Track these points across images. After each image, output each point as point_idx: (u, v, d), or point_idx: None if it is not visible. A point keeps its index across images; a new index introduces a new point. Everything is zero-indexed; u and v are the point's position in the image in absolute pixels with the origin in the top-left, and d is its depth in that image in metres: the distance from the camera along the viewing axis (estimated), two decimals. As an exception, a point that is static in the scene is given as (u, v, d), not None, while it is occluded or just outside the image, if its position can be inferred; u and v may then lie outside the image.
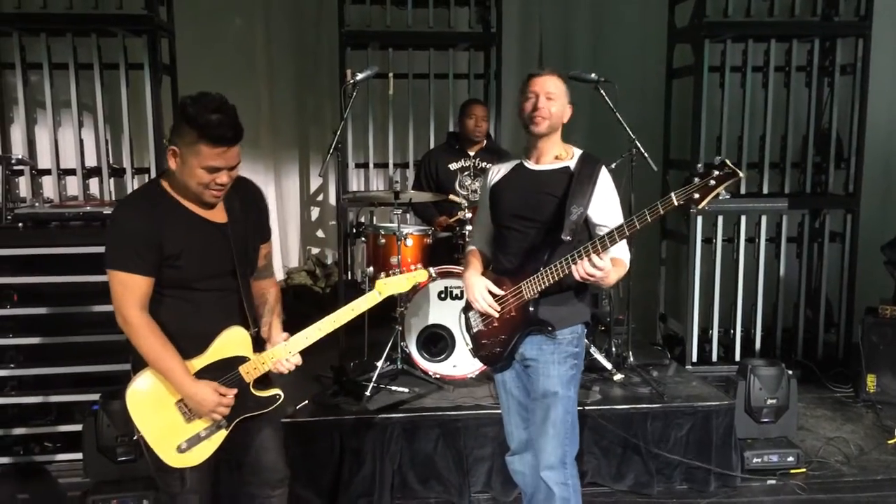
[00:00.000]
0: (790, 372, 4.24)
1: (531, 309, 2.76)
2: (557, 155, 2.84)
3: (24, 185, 5.05)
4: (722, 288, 5.49)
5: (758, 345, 5.60)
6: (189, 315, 2.47)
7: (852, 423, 4.78)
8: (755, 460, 4.05)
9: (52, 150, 5.04)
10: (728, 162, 2.44)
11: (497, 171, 2.95)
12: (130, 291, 2.37)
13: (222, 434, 2.55)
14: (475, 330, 2.95)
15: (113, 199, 5.11)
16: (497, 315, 2.82)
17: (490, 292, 2.81)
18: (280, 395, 2.63)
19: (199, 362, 2.50)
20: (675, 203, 2.47)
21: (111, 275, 2.38)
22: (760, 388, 4.14)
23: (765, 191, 5.53)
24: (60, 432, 4.20)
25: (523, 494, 3.10)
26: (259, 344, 2.60)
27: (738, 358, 5.54)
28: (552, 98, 2.77)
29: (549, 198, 2.76)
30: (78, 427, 4.10)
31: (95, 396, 3.97)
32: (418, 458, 3.80)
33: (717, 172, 2.44)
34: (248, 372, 2.55)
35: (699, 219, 5.35)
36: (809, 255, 5.75)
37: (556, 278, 2.68)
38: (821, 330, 5.73)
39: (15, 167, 4.69)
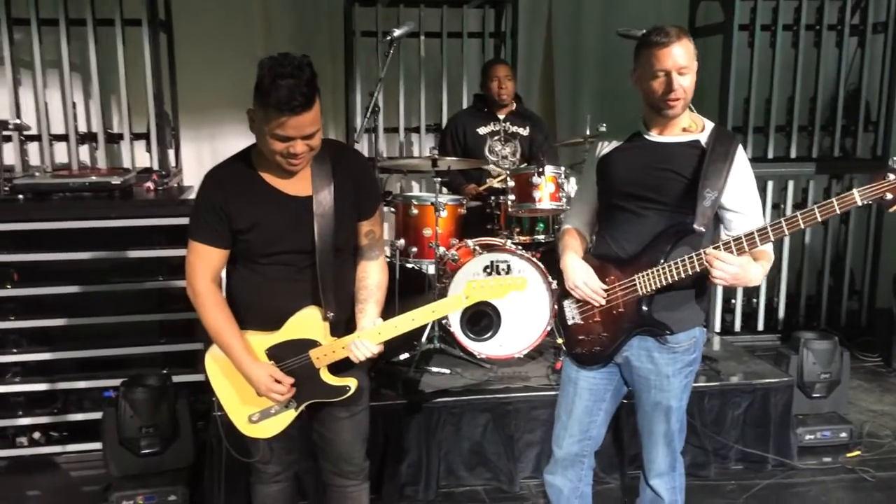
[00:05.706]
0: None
1: (644, 307, 2.37)
2: (685, 126, 2.38)
3: (9, 153, 4.62)
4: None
5: (781, 313, 5.49)
6: (258, 289, 2.37)
7: (892, 395, 4.66)
8: (808, 437, 3.92)
9: (44, 113, 4.62)
10: None
11: (608, 143, 2.50)
12: (201, 260, 2.32)
13: (291, 414, 2.45)
14: (570, 322, 2.53)
15: (108, 166, 4.74)
16: (604, 304, 2.42)
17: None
18: (350, 387, 2.41)
19: (273, 339, 2.39)
20: (858, 202, 2.09)
21: (188, 243, 2.34)
22: (814, 363, 3.97)
23: (792, 155, 5.36)
24: (68, 421, 3.89)
25: None
26: (339, 328, 2.37)
27: (760, 327, 5.46)
28: (685, 72, 2.26)
29: (675, 176, 2.33)
30: (87, 416, 3.86)
31: (106, 382, 3.74)
32: (465, 444, 3.57)
33: None
34: (319, 357, 2.38)
35: (726, 184, 5.13)
36: (834, 221, 5.59)
37: (682, 276, 2.29)
38: (844, 297, 5.63)
39: (3, 132, 4.27)
